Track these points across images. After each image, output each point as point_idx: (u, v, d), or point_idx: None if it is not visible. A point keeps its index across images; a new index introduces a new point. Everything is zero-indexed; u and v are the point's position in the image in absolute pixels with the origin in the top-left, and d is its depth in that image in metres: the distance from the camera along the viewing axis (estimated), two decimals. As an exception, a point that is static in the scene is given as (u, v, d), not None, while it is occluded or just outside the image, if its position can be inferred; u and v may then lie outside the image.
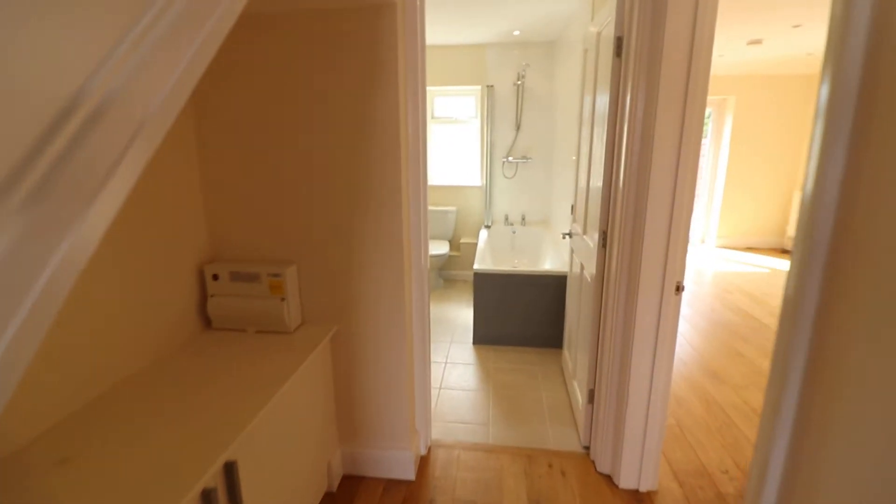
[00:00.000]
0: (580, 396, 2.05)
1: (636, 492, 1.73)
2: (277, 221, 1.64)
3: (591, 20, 2.36)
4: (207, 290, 1.62)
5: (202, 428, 1.09)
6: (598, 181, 1.80)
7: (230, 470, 1.04)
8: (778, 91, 5.29)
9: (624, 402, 1.67)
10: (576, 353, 2.23)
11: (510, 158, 4.31)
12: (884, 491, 0.49)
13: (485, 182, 4.35)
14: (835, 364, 0.60)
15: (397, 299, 1.65)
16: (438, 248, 4.11)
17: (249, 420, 1.13)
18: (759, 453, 0.72)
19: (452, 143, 4.54)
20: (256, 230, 1.66)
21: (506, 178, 4.38)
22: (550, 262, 3.51)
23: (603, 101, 1.77)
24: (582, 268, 2.11)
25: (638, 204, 1.53)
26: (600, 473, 1.82)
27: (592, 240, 1.89)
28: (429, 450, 1.98)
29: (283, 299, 1.59)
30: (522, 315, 2.91)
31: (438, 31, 3.69)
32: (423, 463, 1.91)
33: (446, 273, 4.52)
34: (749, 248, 5.66)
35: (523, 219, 4.42)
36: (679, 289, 1.52)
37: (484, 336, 3.00)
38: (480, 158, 4.41)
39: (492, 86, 4.15)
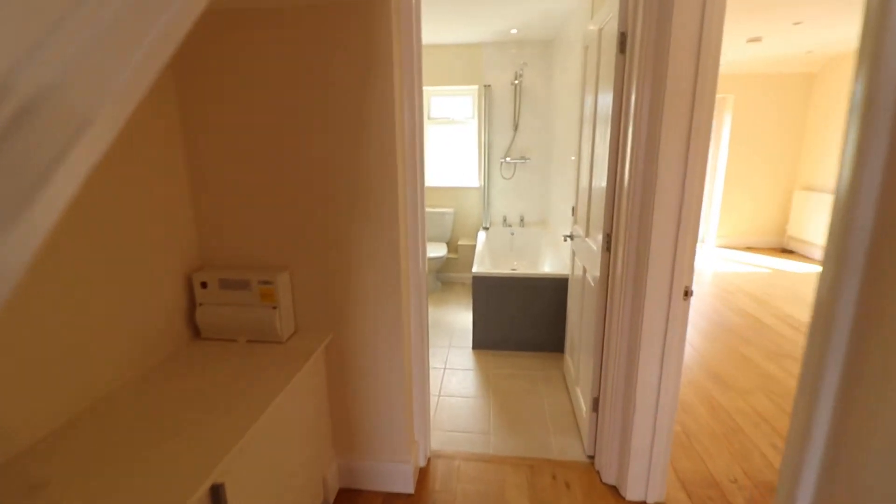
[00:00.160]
0: (583, 404, 1.99)
1: (643, 503, 1.67)
2: (269, 226, 1.57)
3: (591, 17, 2.31)
4: (196, 298, 1.55)
5: (188, 448, 1.02)
6: (601, 182, 1.74)
7: (217, 493, 0.97)
8: (777, 89, 5.25)
9: (630, 411, 1.61)
10: (578, 358, 2.17)
11: (508, 159, 4.25)
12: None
13: (482, 183, 4.29)
14: (874, 379, 0.54)
15: (394, 305, 1.59)
16: (436, 250, 4.04)
17: (238, 438, 1.06)
18: (784, 483, 0.66)
19: (449, 143, 4.48)
20: (248, 235, 1.59)
21: (504, 178, 4.32)
22: (550, 264, 3.46)
23: (605, 99, 1.71)
24: (584, 271, 2.05)
25: (644, 206, 1.47)
26: (606, 484, 1.76)
27: (596, 242, 1.83)
28: (428, 461, 1.91)
29: (274, 307, 1.52)
30: (522, 319, 2.85)
31: (434, 29, 3.63)
32: (423, 475, 1.84)
33: (444, 276, 4.46)
34: (749, 248, 5.62)
35: (522, 220, 4.37)
36: (687, 293, 1.46)
37: (483, 340, 2.94)
38: (478, 159, 4.35)
39: (489, 85, 4.09)
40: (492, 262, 3.97)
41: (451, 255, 4.42)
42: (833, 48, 4.46)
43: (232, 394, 1.24)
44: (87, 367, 1.17)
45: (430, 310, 3.70)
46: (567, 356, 2.52)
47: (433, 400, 2.36)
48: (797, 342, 2.99)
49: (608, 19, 1.68)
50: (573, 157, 3.00)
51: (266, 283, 1.51)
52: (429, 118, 4.42)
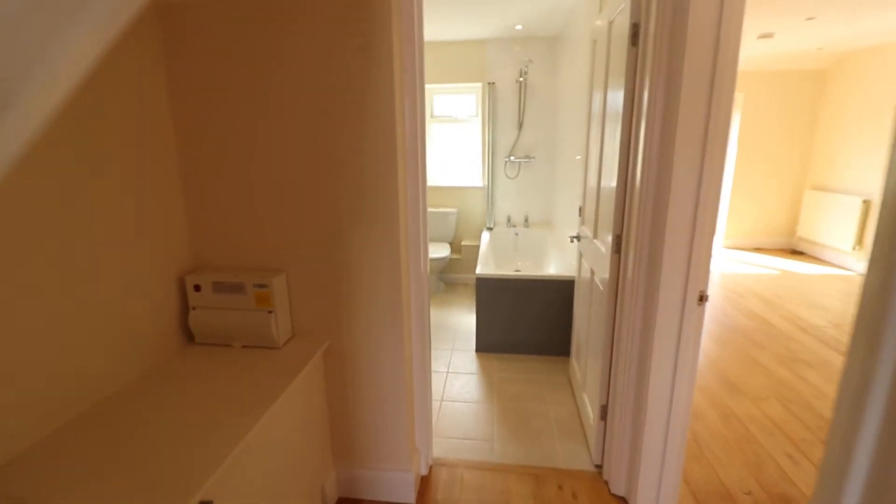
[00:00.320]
0: (591, 411, 1.92)
1: (654, 517, 1.60)
2: (266, 227, 1.51)
3: (599, 10, 2.24)
4: (189, 301, 1.49)
5: (175, 462, 0.96)
6: (610, 181, 1.67)
7: (205, 512, 0.92)
8: (787, 87, 5.15)
9: (641, 420, 1.54)
10: (585, 363, 2.10)
11: (512, 158, 4.18)
12: None
13: (486, 183, 4.22)
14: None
15: (394, 309, 1.53)
16: (439, 251, 3.98)
17: (229, 452, 1.00)
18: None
19: (452, 142, 4.42)
20: (243, 236, 1.53)
21: (508, 178, 4.25)
22: (555, 265, 3.39)
23: (615, 95, 1.64)
24: (592, 273, 1.98)
25: (657, 206, 1.40)
26: (614, 495, 1.70)
27: (604, 244, 1.76)
28: (430, 469, 1.85)
29: (270, 312, 1.46)
30: (527, 322, 2.78)
31: (437, 26, 3.56)
32: (424, 484, 1.78)
33: (447, 277, 4.40)
34: (757, 249, 5.53)
35: (526, 220, 4.30)
36: (702, 298, 1.39)
37: (487, 344, 2.88)
38: (482, 158, 4.28)
39: (493, 83, 4.02)
40: (496, 263, 3.90)
41: (455, 256, 4.35)
42: (846, 44, 4.36)
43: (224, 403, 1.18)
44: (71, 376, 1.11)
45: (433, 312, 3.64)
46: (573, 360, 2.45)
47: (435, 405, 2.30)
48: (810, 347, 2.91)
49: (619, 10, 1.61)
50: (579, 157, 2.93)
51: (261, 286, 1.45)
52: (431, 116, 4.35)
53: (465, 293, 4.10)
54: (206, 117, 1.43)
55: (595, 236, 1.95)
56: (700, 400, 2.30)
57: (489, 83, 4.01)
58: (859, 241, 4.52)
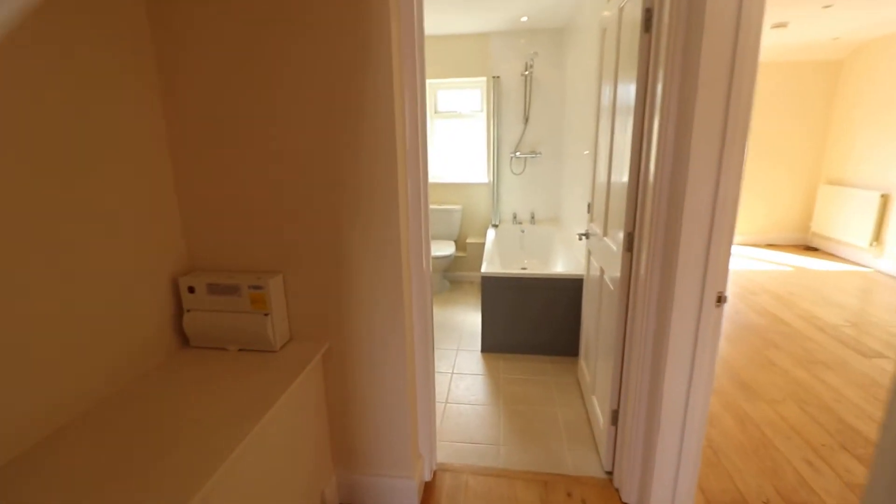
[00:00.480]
0: (601, 415, 1.85)
1: (668, 527, 1.53)
2: (262, 227, 1.45)
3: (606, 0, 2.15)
4: (183, 304, 1.44)
5: (167, 471, 0.92)
6: (621, 176, 1.59)
7: (195, 525, 0.86)
8: (801, 78, 5.01)
9: (655, 426, 1.47)
10: (595, 365, 2.03)
11: (518, 153, 4.10)
12: None
13: (492, 179, 4.14)
14: None
15: (396, 310, 1.46)
16: (443, 248, 3.91)
17: (224, 459, 0.95)
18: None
19: (457, 138, 4.34)
20: (239, 237, 1.47)
21: (514, 174, 4.17)
22: (563, 263, 3.31)
23: (626, 86, 1.57)
24: (601, 272, 1.91)
25: (672, 202, 1.32)
26: (626, 504, 1.63)
27: (615, 242, 1.68)
28: (434, 475, 1.79)
29: (266, 314, 1.41)
30: (534, 321, 2.71)
31: (440, 19, 3.48)
32: (428, 490, 1.72)
33: (451, 275, 4.33)
34: (770, 245, 5.40)
35: (533, 217, 4.22)
36: (721, 300, 1.31)
37: (493, 343, 2.81)
38: (487, 154, 4.21)
39: (498, 77, 3.94)
40: (501, 262, 3.83)
41: (460, 254, 4.28)
42: (862, 34, 4.23)
43: (219, 409, 1.13)
44: (59, 382, 1.06)
45: (438, 311, 3.58)
46: (581, 361, 2.37)
47: (440, 407, 2.24)
48: (827, 346, 2.81)
49: (630, -3, 1.53)
50: (587, 152, 2.84)
51: (256, 287, 1.40)
52: (435, 112, 4.28)
53: (471, 291, 4.03)
54: (199, 115, 1.38)
55: (605, 234, 1.87)
56: (713, 402, 2.23)
57: (494, 77, 3.93)
58: (877, 236, 4.39)
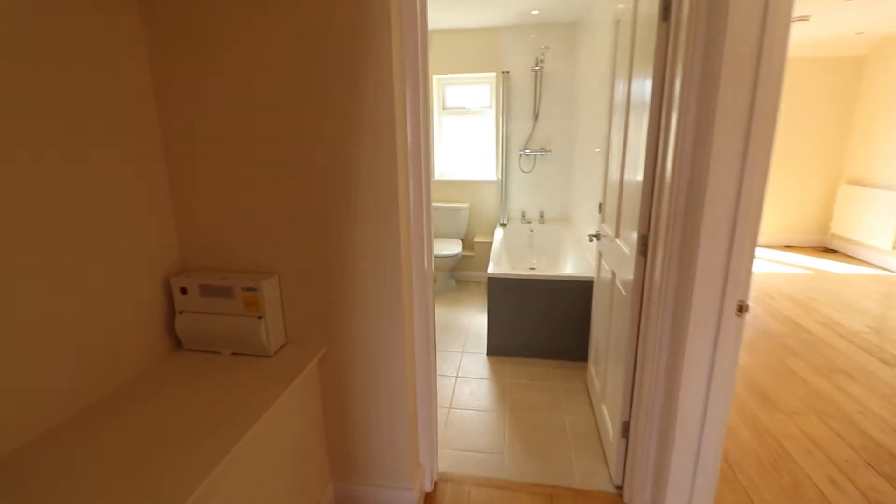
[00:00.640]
0: (610, 426, 1.77)
1: (681, 547, 1.45)
2: (258, 227, 1.39)
3: (623, -11, 2.05)
4: (175, 305, 1.39)
5: (150, 484, 0.87)
6: (635, 175, 1.51)
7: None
8: (822, 74, 4.84)
9: (669, 441, 1.38)
10: (604, 372, 1.94)
11: (528, 151, 4.01)
12: None
13: (500, 177, 4.06)
14: None
15: (395, 313, 1.40)
16: (450, 247, 3.84)
17: (209, 471, 0.90)
18: None
19: (465, 135, 4.26)
20: (234, 235, 1.41)
21: (523, 172, 4.08)
22: (572, 263, 3.22)
23: (641, 80, 1.48)
24: (613, 275, 1.82)
25: (690, 204, 1.23)
26: (636, 521, 1.55)
27: (628, 244, 1.60)
28: (435, 485, 1.72)
29: (259, 317, 1.35)
30: (541, 324, 2.63)
31: (448, 13, 3.40)
32: (428, 502, 1.66)
33: (458, 274, 4.26)
34: (788, 247, 5.24)
35: (542, 216, 4.12)
36: (742, 309, 1.22)
37: (499, 346, 2.73)
38: (495, 151, 4.12)
39: (507, 72, 3.85)
40: (509, 262, 3.75)
41: (467, 253, 4.21)
42: (887, 28, 4.06)
43: (208, 416, 1.08)
44: (44, 385, 1.01)
45: (443, 311, 3.51)
46: (591, 367, 2.29)
47: (443, 412, 2.17)
48: (849, 354, 2.69)
49: (647, -16, 1.44)
50: (598, 149, 2.75)
51: (250, 289, 1.34)
52: (443, 108, 4.20)
53: (478, 292, 3.95)
54: (194, 110, 1.32)
55: (617, 235, 1.78)
56: (730, 413, 2.13)
57: (503, 72, 3.84)
58: (900, 239, 4.23)
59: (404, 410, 1.48)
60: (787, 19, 1.11)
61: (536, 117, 3.92)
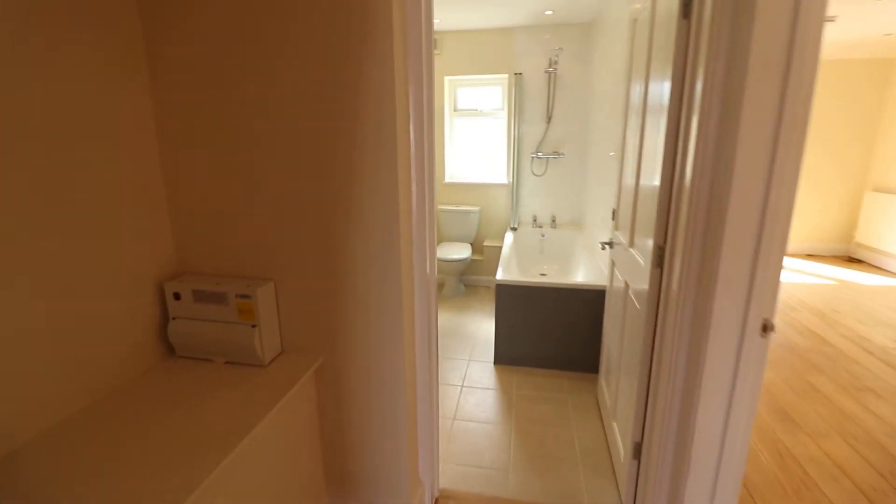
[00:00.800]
0: (622, 445, 1.68)
1: (696, 579, 1.35)
2: (254, 230, 1.34)
3: (641, -13, 1.97)
4: (169, 311, 1.34)
5: (133, 500, 0.81)
6: (651, 181, 1.42)
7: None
8: (848, 77, 4.67)
9: (684, 466, 1.29)
10: (616, 387, 1.85)
11: (540, 154, 3.92)
12: None
13: (511, 180, 3.98)
14: None
15: (395, 321, 1.33)
16: (459, 251, 3.77)
17: (194, 488, 0.85)
18: None
19: (476, 137, 4.19)
20: (231, 241, 1.36)
21: (535, 175, 4.00)
22: (584, 270, 3.12)
23: (659, 82, 1.40)
24: (626, 286, 1.73)
25: (712, 213, 1.15)
26: (648, 548, 1.46)
27: (642, 254, 1.51)
28: (435, 502, 1.65)
29: (253, 326, 1.29)
30: (551, 334, 2.54)
31: (460, 14, 3.33)
32: (429, 519, 1.59)
33: (467, 279, 4.19)
34: (810, 256, 5.06)
35: (554, 220, 4.03)
36: (767, 328, 1.13)
37: (506, 355, 2.65)
38: (507, 154, 4.04)
39: (520, 74, 3.77)
40: (519, 267, 3.66)
41: (476, 257, 4.13)
42: (920, 29, 3.89)
43: (194, 431, 1.03)
44: (30, 393, 0.97)
45: (451, 316, 3.44)
46: (601, 380, 2.20)
47: (447, 424, 2.10)
48: (877, 371, 2.55)
49: (667, -21, 1.35)
50: (613, 153, 2.66)
51: (244, 297, 1.28)
52: (455, 110, 4.14)
53: (487, 297, 3.87)
54: (190, 113, 1.27)
55: (631, 244, 1.69)
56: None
57: (516, 74, 3.76)
58: (930, 249, 4.04)
59: (403, 424, 1.42)
60: (819, 16, 1.02)
61: (549, 120, 3.84)
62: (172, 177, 1.34)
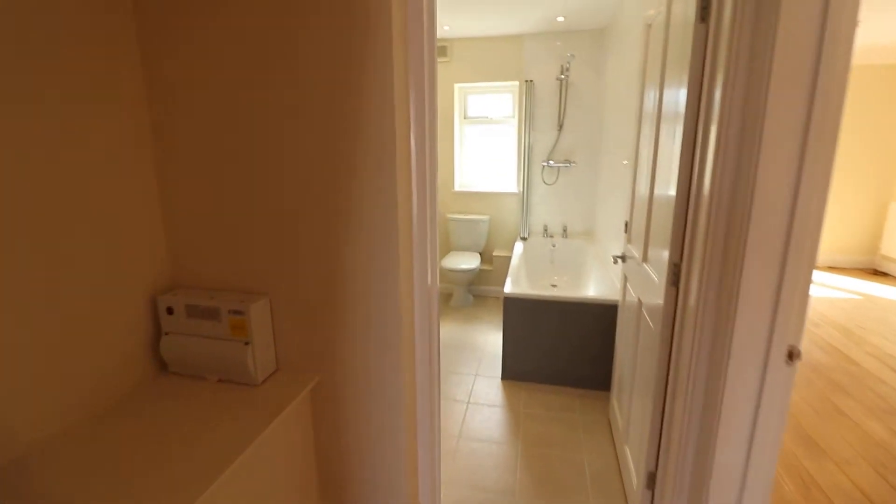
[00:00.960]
0: (634, 474, 1.59)
1: None
2: (249, 243, 1.29)
3: (655, -8, 1.90)
4: (161, 325, 1.30)
5: None
6: (666, 191, 1.34)
7: None
8: (872, 84, 4.51)
9: (702, 500, 1.20)
10: (628, 409, 1.76)
11: (551, 162, 3.85)
12: None
13: (522, 189, 3.90)
14: None
15: (393, 337, 1.27)
16: (468, 261, 3.70)
17: None
18: None
19: (486, 145, 4.13)
20: (225, 253, 1.32)
21: (546, 184, 3.92)
22: (596, 282, 3.03)
23: (675, 88, 1.32)
24: (640, 303, 1.65)
25: (732, 229, 1.07)
26: (662, 586, 1.36)
27: (657, 271, 1.43)
28: (437, 528, 1.58)
29: (246, 343, 1.24)
30: (561, 348, 2.45)
31: (471, 20, 3.29)
32: (429, 547, 1.51)
33: (476, 289, 4.11)
34: (832, 268, 4.89)
35: (565, 230, 3.94)
36: (793, 356, 1.04)
37: (514, 371, 2.57)
38: (517, 162, 3.97)
39: (531, 81, 3.71)
40: (528, 278, 3.58)
41: (485, 267, 4.06)
42: (949, 34, 3.74)
43: (182, 454, 0.98)
44: (13, 408, 0.92)
45: (458, 328, 3.37)
46: (613, 399, 2.10)
47: (452, 443, 2.02)
48: (908, 393, 2.41)
49: (683, -18, 1.29)
50: (626, 162, 2.58)
51: (237, 313, 1.23)
52: (465, 118, 4.09)
53: (495, 308, 3.79)
54: (187, 124, 1.23)
55: (644, 259, 1.61)
56: (770, 458, 1.90)
57: (527, 81, 3.70)
58: (962, 263, 3.86)
59: (402, 445, 1.35)
60: (852, 18, 0.94)
61: (561, 127, 3.77)
62: (168, 187, 1.30)
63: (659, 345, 1.33)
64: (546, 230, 4.00)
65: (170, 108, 1.24)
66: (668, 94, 1.43)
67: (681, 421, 1.22)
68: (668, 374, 1.32)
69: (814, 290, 4.14)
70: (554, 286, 3.62)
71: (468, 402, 2.36)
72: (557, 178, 3.88)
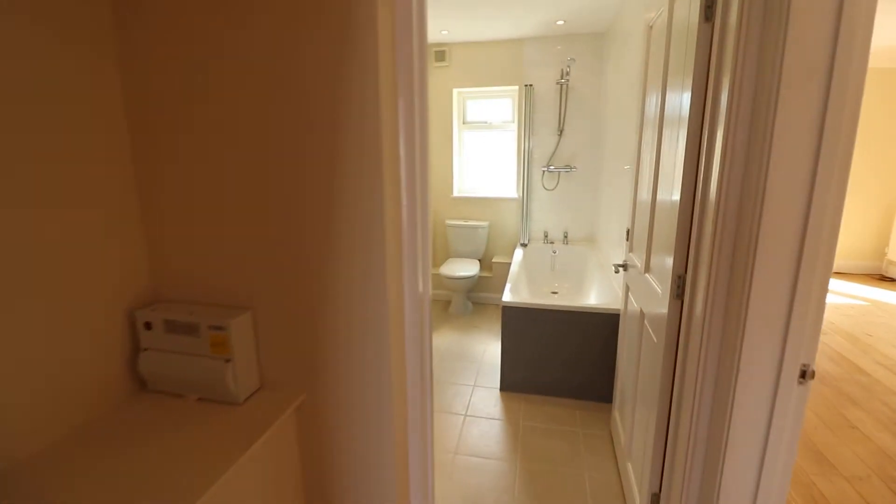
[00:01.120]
0: (637, 493, 1.51)
1: None
2: (232, 256, 1.23)
3: (656, -8, 1.84)
4: (140, 341, 1.24)
5: None
6: (669, 197, 1.28)
7: None
8: (880, 87, 4.45)
9: (708, 527, 1.13)
10: (631, 423, 1.69)
11: (551, 167, 3.79)
12: None
13: (522, 194, 3.84)
14: None
15: (382, 351, 1.20)
16: (467, 268, 3.64)
17: None
18: None
19: (486, 150, 4.08)
20: (207, 266, 1.26)
21: (546, 189, 3.86)
22: (598, 289, 2.96)
23: (678, 92, 1.26)
24: (642, 314, 1.58)
25: (740, 237, 1.00)
26: None
27: (660, 281, 1.37)
28: (431, 551, 1.50)
29: (227, 360, 1.18)
30: (561, 359, 2.38)
31: (469, 25, 3.25)
32: (422, 572, 1.43)
33: (476, 296, 4.04)
34: (837, 274, 4.81)
35: (565, 236, 3.88)
36: (806, 374, 0.97)
37: (513, 382, 2.50)
38: (517, 167, 3.91)
39: (531, 85, 3.66)
40: (528, 286, 3.51)
41: (485, 274, 3.99)
42: (955, 36, 3.68)
43: (155, 478, 0.91)
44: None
45: (457, 337, 3.30)
46: (615, 412, 2.03)
47: (448, 458, 1.95)
48: (920, 405, 2.33)
49: (686, -20, 1.23)
50: (628, 167, 2.52)
51: (217, 328, 1.17)
52: (463, 123, 4.04)
53: (495, 316, 3.72)
54: (165, 131, 1.18)
55: (646, 269, 1.55)
56: (779, 475, 1.83)
57: (527, 85, 3.65)
58: (971, 269, 3.78)
59: (391, 464, 1.28)
60: (869, 16, 0.88)
61: (561, 132, 3.71)
62: (148, 196, 1.24)
63: (662, 360, 1.26)
64: (546, 236, 3.94)
65: (149, 116, 1.18)
66: (671, 97, 1.37)
67: (686, 442, 1.15)
68: (671, 392, 1.25)
69: (820, 297, 4.05)
70: (555, 293, 3.55)
71: (465, 415, 2.28)
72: (558, 183, 3.82)
